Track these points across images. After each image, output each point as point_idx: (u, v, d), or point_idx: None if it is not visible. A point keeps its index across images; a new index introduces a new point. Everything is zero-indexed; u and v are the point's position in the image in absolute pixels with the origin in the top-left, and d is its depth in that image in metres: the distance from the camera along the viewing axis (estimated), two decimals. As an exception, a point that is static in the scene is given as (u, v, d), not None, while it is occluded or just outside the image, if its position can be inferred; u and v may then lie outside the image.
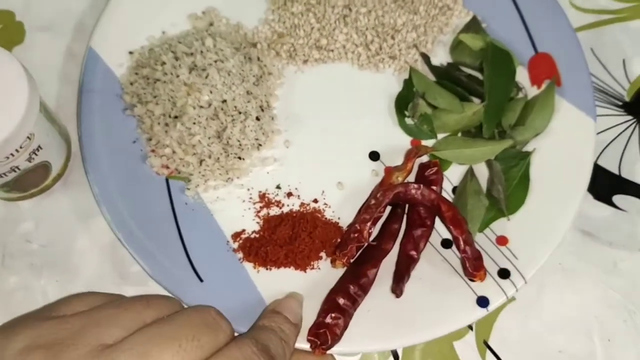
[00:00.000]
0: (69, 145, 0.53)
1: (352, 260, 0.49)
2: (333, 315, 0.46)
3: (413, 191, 0.49)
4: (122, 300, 0.36)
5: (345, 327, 0.46)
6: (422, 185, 0.50)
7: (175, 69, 0.51)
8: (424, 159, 0.53)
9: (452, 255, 0.50)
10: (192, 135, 0.50)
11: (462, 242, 0.48)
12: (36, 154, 0.47)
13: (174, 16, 0.56)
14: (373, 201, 0.50)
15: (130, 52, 0.54)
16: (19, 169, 0.46)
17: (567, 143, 0.52)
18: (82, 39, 0.57)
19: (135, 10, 0.55)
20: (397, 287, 0.47)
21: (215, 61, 0.52)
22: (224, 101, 0.51)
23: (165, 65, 0.52)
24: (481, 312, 0.47)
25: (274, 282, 0.48)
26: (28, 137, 0.44)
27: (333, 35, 0.55)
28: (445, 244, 0.50)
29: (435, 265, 0.49)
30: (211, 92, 0.51)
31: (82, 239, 0.52)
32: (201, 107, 0.51)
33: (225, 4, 0.57)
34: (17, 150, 0.44)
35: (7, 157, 0.44)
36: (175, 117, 0.51)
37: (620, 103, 0.58)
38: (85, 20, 0.59)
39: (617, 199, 0.55)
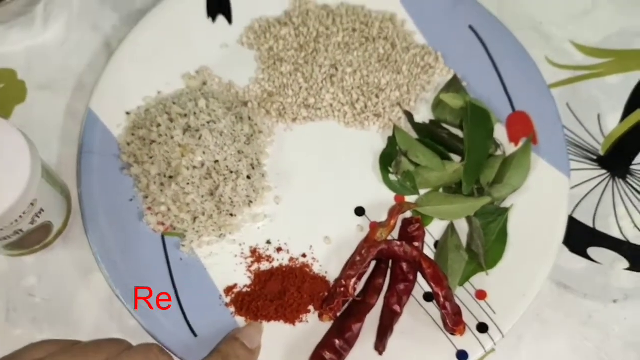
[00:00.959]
0: (69, 202, 0.56)
1: (338, 314, 0.51)
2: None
3: (396, 248, 0.52)
4: (76, 347, 0.38)
5: (332, 381, 0.48)
6: (404, 243, 0.52)
7: (170, 131, 0.54)
8: (408, 214, 0.55)
9: (434, 308, 0.52)
10: (186, 194, 0.53)
11: (442, 298, 0.50)
12: (38, 217, 0.49)
13: (169, 76, 0.59)
14: (358, 257, 0.52)
15: (127, 113, 0.57)
16: (22, 231, 0.49)
17: (542, 199, 0.55)
18: (81, 98, 0.59)
19: (132, 71, 0.58)
20: (380, 344, 0.49)
21: (208, 122, 0.55)
22: (217, 161, 0.54)
23: (161, 127, 0.54)
24: (459, 366, 0.50)
25: (264, 336, 0.50)
26: (31, 204, 0.46)
27: (320, 94, 0.58)
28: (427, 297, 0.53)
29: (418, 318, 0.52)
30: (204, 152, 0.53)
31: (83, 293, 0.54)
32: (195, 167, 0.53)
33: (218, 63, 0.60)
34: (20, 217, 0.46)
35: (11, 223, 0.46)
36: (170, 177, 0.53)
37: (595, 157, 0.60)
38: (84, 79, 0.61)
39: (592, 251, 0.57)
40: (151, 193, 0.54)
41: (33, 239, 0.52)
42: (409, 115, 0.58)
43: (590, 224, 0.58)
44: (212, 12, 0.61)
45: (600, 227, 0.58)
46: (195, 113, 0.55)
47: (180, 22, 0.60)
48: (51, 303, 0.54)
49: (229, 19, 0.61)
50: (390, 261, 0.54)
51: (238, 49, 0.60)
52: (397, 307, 0.51)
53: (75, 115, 0.59)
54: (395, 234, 0.55)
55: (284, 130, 0.58)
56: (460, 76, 0.60)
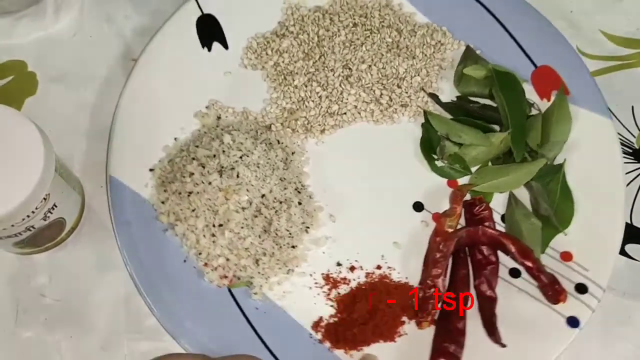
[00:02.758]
0: (83, 198, 0.52)
1: (435, 319, 0.49)
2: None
3: (474, 234, 0.50)
4: None
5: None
6: (481, 227, 0.50)
7: (205, 176, 0.50)
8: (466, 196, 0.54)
9: (524, 283, 0.51)
10: (242, 239, 0.49)
11: (535, 271, 0.49)
12: (51, 212, 0.46)
13: (180, 119, 0.54)
14: (438, 254, 0.50)
15: (151, 170, 0.52)
16: (34, 227, 0.45)
17: (592, 146, 0.54)
18: (93, 90, 0.57)
19: (141, 124, 0.53)
20: (495, 337, 0.47)
21: (241, 157, 0.51)
22: (263, 195, 0.50)
23: (194, 175, 0.50)
24: (573, 333, 0.48)
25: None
26: (44, 199, 0.43)
27: (342, 98, 0.55)
28: (514, 273, 0.51)
29: (513, 297, 0.50)
30: (248, 190, 0.50)
31: (97, 292, 0.51)
32: (243, 208, 0.49)
33: (226, 93, 0.56)
34: (32, 212, 0.43)
35: (23, 219, 0.43)
36: (220, 225, 0.49)
37: (631, 150, 0.58)
38: (97, 71, 0.58)
39: (630, 248, 0.54)
40: (204, 248, 0.49)
41: (45, 236, 0.49)
42: (436, 97, 0.56)
43: (628, 220, 0.55)
44: (206, 42, 0.56)
45: (637, 223, 0.55)
46: (224, 151, 0.51)
47: (176, 60, 0.55)
48: (63, 303, 0.51)
49: (224, 44, 0.57)
50: (466, 248, 0.52)
51: (242, 73, 0.56)
52: (491, 293, 0.50)
53: (87, 108, 0.56)
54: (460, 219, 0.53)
55: (316, 145, 0.55)
56: (472, 46, 0.58)
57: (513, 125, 0.53)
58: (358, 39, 0.57)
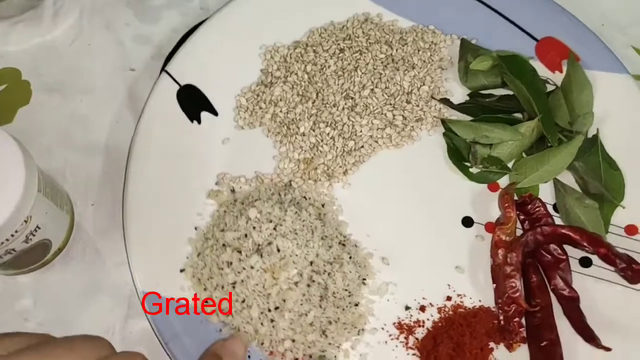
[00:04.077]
0: (71, 217, 0.49)
1: (524, 336, 0.46)
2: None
3: (538, 237, 0.47)
4: (44, 345, 0.31)
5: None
6: (542, 227, 0.47)
7: (244, 261, 0.45)
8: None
9: (598, 270, 0.48)
10: (304, 315, 0.45)
11: (611, 255, 0.46)
12: (34, 235, 0.43)
13: (193, 206, 0.49)
14: (508, 268, 0.47)
15: (182, 270, 0.47)
16: (14, 251, 0.42)
17: (620, 106, 0.52)
18: (91, 102, 0.54)
19: (155, 226, 0.48)
20: (595, 341, 0.44)
21: (274, 228, 0.46)
22: (311, 262, 0.46)
23: (232, 264, 0.46)
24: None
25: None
26: (25, 221, 0.40)
27: (355, 132, 0.51)
28: (584, 263, 0.49)
29: (592, 289, 0.47)
30: (294, 262, 0.46)
31: (83, 318, 0.48)
32: (296, 283, 0.45)
33: (231, 161, 0.51)
34: (12, 235, 0.40)
35: (2, 243, 0.40)
36: (276, 307, 0.45)
37: None
38: (94, 82, 0.55)
39: None
40: (265, 336, 0.45)
41: (28, 258, 0.46)
42: (448, 102, 0.53)
43: None
44: (193, 115, 0.52)
45: None
46: (254, 227, 0.47)
47: (168, 144, 0.50)
48: (47, 328, 0.47)
49: (213, 111, 0.52)
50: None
51: (241, 135, 0.52)
52: (571, 292, 0.47)
53: (82, 121, 0.53)
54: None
55: (343, 188, 0.51)
56: (466, 37, 0.55)
57: (540, 110, 0.50)
58: (349, 64, 0.53)
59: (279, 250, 0.46)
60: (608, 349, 0.44)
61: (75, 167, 0.52)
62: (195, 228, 0.49)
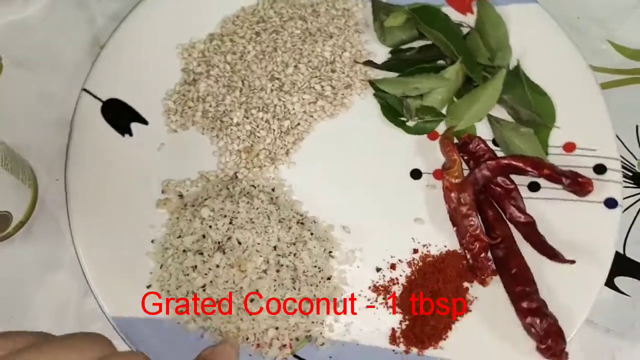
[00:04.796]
0: (35, 191, 0.49)
1: (493, 269, 0.47)
2: (538, 320, 0.45)
3: (485, 173, 0.49)
4: (44, 344, 0.31)
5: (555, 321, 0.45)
6: (485, 163, 0.49)
7: (208, 262, 0.45)
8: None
9: (546, 191, 0.50)
10: (280, 301, 0.45)
11: (556, 175, 0.48)
12: None
13: (146, 219, 0.48)
14: (463, 208, 0.48)
15: (148, 286, 0.46)
16: None
17: (535, 36, 0.53)
18: (59, 79, 0.54)
19: (111, 248, 0.47)
20: (557, 257, 0.46)
21: (230, 222, 0.46)
22: (275, 247, 0.46)
23: (197, 267, 0.45)
24: (618, 212, 0.48)
25: (460, 345, 0.46)
26: None
27: (288, 111, 0.51)
28: (532, 187, 0.50)
29: (544, 211, 0.49)
30: (258, 250, 0.45)
31: (41, 293, 0.48)
32: (265, 271, 0.45)
33: (172, 166, 0.50)
34: None
35: None
36: (252, 300, 0.45)
37: (630, 174, 0.53)
38: (64, 59, 0.55)
39: (620, 281, 0.50)
40: (247, 331, 0.45)
41: None
42: (372, 63, 0.53)
43: (620, 250, 0.51)
44: (122, 128, 0.50)
45: (631, 254, 0.51)
46: (210, 226, 0.46)
47: (103, 160, 0.49)
48: (5, 302, 0.48)
49: (142, 120, 0.51)
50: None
51: (177, 138, 0.51)
52: (527, 217, 0.48)
53: (50, 97, 0.54)
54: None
55: (288, 168, 0.51)
56: (373, -3, 0.55)
57: (459, 53, 0.51)
58: (268, 45, 0.53)
59: (240, 243, 0.45)
60: (572, 262, 0.46)
61: (41, 142, 0.52)
62: (152, 241, 0.48)
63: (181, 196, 0.49)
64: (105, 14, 0.57)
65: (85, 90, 0.50)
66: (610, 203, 0.48)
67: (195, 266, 0.45)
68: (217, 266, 0.45)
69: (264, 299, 0.44)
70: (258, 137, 0.51)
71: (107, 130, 0.50)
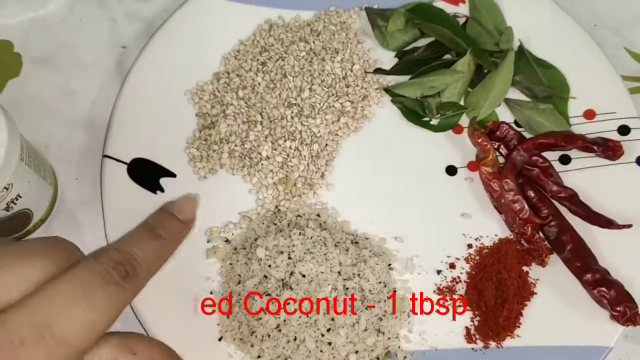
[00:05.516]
0: (55, 189, 0.49)
1: (549, 247, 0.48)
2: (605, 289, 0.46)
3: (522, 155, 0.49)
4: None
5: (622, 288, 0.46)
6: (520, 146, 0.50)
7: (277, 303, 0.44)
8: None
9: (578, 162, 0.51)
10: (356, 323, 0.44)
11: (586, 144, 0.49)
12: (15, 203, 0.43)
13: (198, 273, 0.47)
14: (510, 195, 0.49)
15: (220, 339, 0.45)
16: None
17: (532, 12, 0.54)
18: (79, 76, 0.55)
19: (171, 310, 0.45)
20: (612, 224, 0.47)
21: (289, 257, 0.45)
22: (339, 272, 0.45)
23: (274, 304, 0.44)
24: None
25: (535, 329, 0.47)
26: (5, 188, 0.41)
27: (314, 134, 0.51)
28: (564, 160, 0.51)
29: (582, 182, 0.50)
30: (325, 279, 0.45)
31: None
32: (334, 298, 0.44)
33: (209, 214, 0.49)
34: None
35: None
36: (328, 329, 0.44)
37: None
38: (84, 57, 0.55)
39: None
40: (329, 361, 0.45)
41: (9, 228, 0.46)
42: (382, 71, 0.53)
43: None
44: (153, 186, 0.49)
45: None
46: (270, 265, 0.45)
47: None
48: None
49: (169, 174, 0.50)
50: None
51: (208, 184, 0.50)
52: (567, 191, 0.49)
53: (69, 95, 0.54)
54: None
55: (328, 191, 0.50)
56: (367, 5, 0.55)
57: (465, 43, 0.52)
58: (277, 73, 0.52)
59: (304, 276, 0.45)
60: (629, 226, 0.47)
61: (61, 140, 0.53)
62: (211, 292, 0.47)
63: (228, 241, 0.48)
64: (126, 13, 0.57)
65: (106, 156, 0.48)
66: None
67: (265, 308, 0.44)
68: (289, 303, 0.44)
69: (341, 325, 0.44)
70: (291, 166, 0.50)
71: (138, 191, 0.48)
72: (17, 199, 0.43)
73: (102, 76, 0.54)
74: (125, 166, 0.49)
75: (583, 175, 0.51)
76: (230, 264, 0.47)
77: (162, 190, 0.49)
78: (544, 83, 0.52)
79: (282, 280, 0.45)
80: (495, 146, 0.51)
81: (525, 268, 0.48)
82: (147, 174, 0.49)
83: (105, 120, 0.51)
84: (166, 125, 0.51)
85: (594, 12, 0.58)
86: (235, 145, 0.50)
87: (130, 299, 0.34)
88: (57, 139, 0.53)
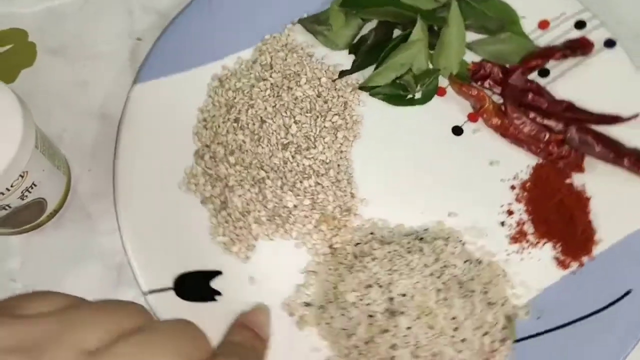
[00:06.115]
0: (68, 179, 0.49)
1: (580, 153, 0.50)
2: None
3: (516, 82, 0.51)
4: (94, 303, 0.31)
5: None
6: (510, 77, 0.51)
7: (395, 332, 0.42)
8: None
9: (554, 72, 0.53)
10: (473, 314, 0.44)
11: (563, 50, 0.52)
12: (30, 192, 0.43)
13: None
14: (521, 124, 0.50)
15: None
16: (9, 207, 0.42)
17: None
18: (93, 68, 0.54)
19: None
20: (619, 118, 0.50)
21: (380, 286, 0.43)
22: (431, 274, 0.44)
23: (394, 336, 0.42)
24: (618, 49, 0.52)
25: (610, 230, 0.48)
26: (20, 176, 0.40)
27: (325, 161, 0.49)
28: (543, 73, 0.53)
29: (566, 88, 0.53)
30: (424, 288, 0.44)
31: (69, 283, 0.47)
32: (445, 298, 0.43)
33: (272, 287, 0.46)
34: (7, 189, 0.40)
35: None
36: (455, 328, 0.43)
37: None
38: (100, 48, 0.54)
39: None
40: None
41: (24, 216, 0.45)
42: (346, 72, 0.52)
43: None
44: (208, 294, 0.45)
45: None
46: (368, 304, 0.43)
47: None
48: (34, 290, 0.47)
49: (216, 273, 0.46)
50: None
51: (255, 259, 0.47)
52: (564, 103, 0.51)
53: (84, 87, 0.53)
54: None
55: (366, 207, 0.49)
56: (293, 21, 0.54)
57: (409, 10, 0.52)
58: (254, 123, 0.49)
59: (404, 295, 0.43)
60: (635, 116, 0.50)
61: (74, 131, 0.52)
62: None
63: (308, 304, 0.45)
64: (142, 5, 0.56)
65: (148, 293, 0.43)
66: (609, 43, 0.53)
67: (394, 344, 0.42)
68: (409, 328, 0.42)
69: (463, 319, 0.43)
70: (320, 203, 0.48)
71: (195, 307, 0.44)
72: (32, 188, 0.42)
73: (116, 67, 0.53)
74: (171, 291, 0.44)
75: (567, 84, 0.52)
76: (327, 323, 0.44)
77: (219, 293, 0.45)
78: (492, 16, 0.54)
79: (387, 310, 0.43)
80: (487, 87, 0.52)
81: (568, 180, 0.50)
82: (195, 285, 0.45)
83: (119, 111, 0.49)
84: (181, 230, 0.46)
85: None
86: (258, 212, 0.47)
87: None
88: (70, 131, 0.52)
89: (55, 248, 0.48)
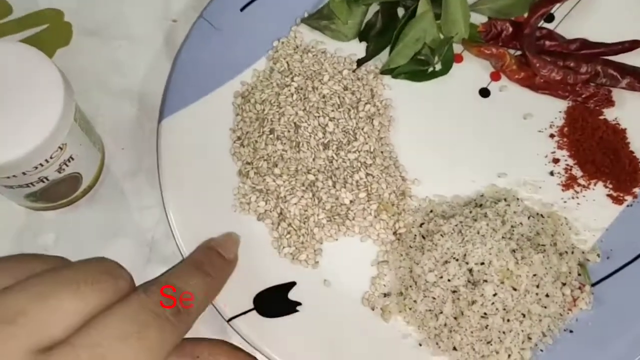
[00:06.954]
0: (103, 156, 0.50)
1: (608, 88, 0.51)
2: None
3: (531, 30, 0.51)
4: (11, 256, 0.32)
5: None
6: (523, 27, 0.51)
7: (483, 303, 0.43)
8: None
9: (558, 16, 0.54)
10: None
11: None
12: (67, 165, 0.43)
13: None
14: (548, 72, 0.50)
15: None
16: (47, 179, 0.43)
17: None
18: (128, 49, 0.54)
19: None
20: (633, 44, 0.51)
21: (457, 261, 0.44)
22: (510, 237, 0.45)
23: (483, 305, 0.43)
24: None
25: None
26: (60, 147, 0.41)
27: (369, 152, 0.49)
28: (549, 19, 0.54)
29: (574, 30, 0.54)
30: (499, 252, 0.44)
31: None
32: (522, 258, 0.44)
33: (354, 288, 0.46)
34: (46, 161, 0.40)
35: (36, 167, 0.40)
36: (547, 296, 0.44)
37: None
38: (134, 30, 0.55)
39: None
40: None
41: (59, 191, 0.46)
42: (362, 61, 0.52)
43: None
44: (290, 306, 0.45)
45: None
46: (453, 277, 0.43)
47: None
48: None
49: (292, 284, 0.46)
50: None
51: (326, 263, 0.47)
52: (578, 40, 0.52)
53: (118, 67, 0.54)
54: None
55: (419, 186, 0.49)
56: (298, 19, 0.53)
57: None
58: (289, 130, 0.49)
59: (483, 264, 0.44)
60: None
61: (108, 110, 0.52)
62: (420, 345, 0.44)
63: (387, 295, 0.46)
64: None
65: (232, 320, 0.43)
66: None
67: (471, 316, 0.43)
68: (495, 294, 0.43)
69: (543, 274, 0.44)
70: (375, 192, 0.48)
71: (280, 322, 0.44)
72: (69, 161, 0.43)
73: (151, 48, 0.54)
74: (252, 309, 0.44)
75: (575, 23, 0.53)
76: (410, 308, 0.45)
77: (299, 303, 0.45)
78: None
79: (469, 281, 0.44)
80: (501, 44, 0.53)
81: (602, 117, 0.51)
82: (274, 300, 0.44)
83: (153, 91, 0.51)
84: (244, 250, 0.45)
85: None
86: (317, 215, 0.47)
87: (179, 338, 0.32)
88: (104, 109, 0.52)
89: (89, 224, 0.49)
